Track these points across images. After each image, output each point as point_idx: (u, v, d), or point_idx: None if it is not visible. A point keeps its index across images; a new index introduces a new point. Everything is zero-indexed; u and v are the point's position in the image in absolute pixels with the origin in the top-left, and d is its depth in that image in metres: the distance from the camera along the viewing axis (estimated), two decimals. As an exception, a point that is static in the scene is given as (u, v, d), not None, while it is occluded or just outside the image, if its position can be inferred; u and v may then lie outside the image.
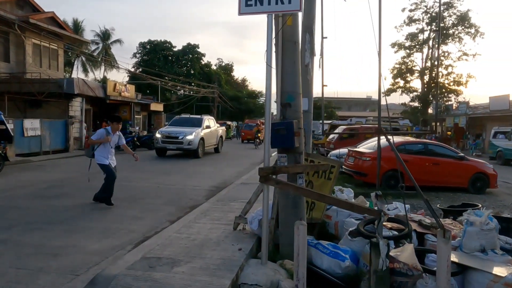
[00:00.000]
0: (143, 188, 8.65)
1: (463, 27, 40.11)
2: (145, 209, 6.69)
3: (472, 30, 39.80)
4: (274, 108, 4.93)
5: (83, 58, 45.04)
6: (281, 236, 4.29)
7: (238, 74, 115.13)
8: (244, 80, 76.85)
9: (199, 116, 19.22)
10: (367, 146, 11.68)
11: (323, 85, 20.47)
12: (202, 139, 16.90)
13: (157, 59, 53.04)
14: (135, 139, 19.14)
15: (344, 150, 13.84)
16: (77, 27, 43.75)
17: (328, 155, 13.97)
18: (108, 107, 22.40)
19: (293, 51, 4.28)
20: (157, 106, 29.18)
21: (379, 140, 4.79)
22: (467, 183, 10.84)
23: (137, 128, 24.74)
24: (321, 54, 18.76)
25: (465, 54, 40.44)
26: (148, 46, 54.51)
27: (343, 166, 12.01)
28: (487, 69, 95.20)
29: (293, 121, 4.13)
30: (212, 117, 20.76)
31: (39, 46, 20.59)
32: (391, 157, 10.69)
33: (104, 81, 31.71)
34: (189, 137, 16.12)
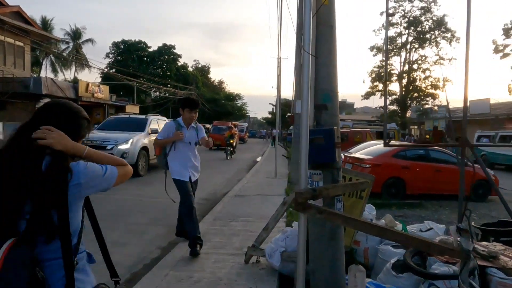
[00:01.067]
0: (122, 202, 7.57)
1: (439, 32, 40.65)
2: (128, 230, 5.64)
3: (449, 35, 40.42)
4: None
5: (52, 58, 42.83)
6: (314, 274, 3.38)
7: (214, 76, 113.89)
8: (221, 82, 75.89)
9: (142, 116, 14.32)
10: (365, 152, 10.96)
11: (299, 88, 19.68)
12: (145, 148, 11.83)
13: (132, 59, 51.27)
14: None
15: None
16: (45, 25, 41.50)
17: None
18: (79, 109, 20.86)
19: (329, 37, 3.39)
20: (132, 109, 27.75)
21: (463, 154, 3.87)
22: (469, 190, 10.27)
23: (112, 131, 23.28)
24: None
25: (441, 58, 41.01)
26: (122, 46, 52.65)
27: (339, 173, 11.27)
28: (463, 73, 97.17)
29: (333, 128, 3.23)
30: (164, 118, 14.74)
31: (3, 43, 18.93)
32: (392, 163, 10.04)
33: (75, 81, 29.99)
34: (123, 147, 11.15)
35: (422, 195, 10.07)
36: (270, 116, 62.42)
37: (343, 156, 11.39)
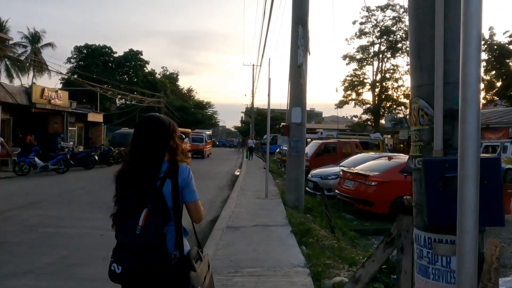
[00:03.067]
0: (79, 239, 5.79)
1: (411, 42, 40.89)
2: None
3: (420, 45, 40.69)
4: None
5: (7, 62, 39.47)
6: None
7: (183, 84, 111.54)
8: (190, 90, 73.78)
9: None
10: (367, 167, 9.66)
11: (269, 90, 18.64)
12: None
13: (96, 65, 48.42)
14: (68, 156, 15.52)
15: (330, 170, 11.80)
16: (0, 26, 38.24)
17: (309, 174, 11.83)
18: (33, 117, 18.57)
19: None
20: (95, 117, 25.41)
21: None
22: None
23: (71, 142, 20.96)
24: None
25: (413, 68, 41.21)
26: (85, 51, 49.70)
27: (336, 191, 9.91)
28: None
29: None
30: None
31: None
32: (400, 180, 8.74)
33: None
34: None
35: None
36: (241, 125, 60.97)
37: (341, 172, 10.08)
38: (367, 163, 10.11)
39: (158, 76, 58.48)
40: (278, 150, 19.70)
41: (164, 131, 2.04)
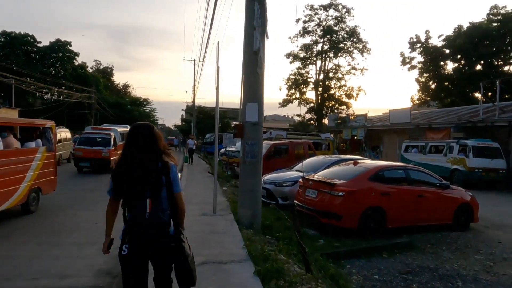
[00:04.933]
0: None
1: (352, 42, 41.40)
2: None
3: (360, 46, 41.34)
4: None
5: None
6: None
7: (119, 79, 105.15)
8: (126, 86, 69.40)
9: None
10: (332, 173, 8.40)
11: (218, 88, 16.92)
12: None
13: (15, 54, 43.06)
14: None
15: (285, 175, 10.45)
16: None
17: (262, 180, 10.36)
18: None
19: None
20: (9, 112, 21.84)
21: None
22: (452, 218, 8.40)
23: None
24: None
25: (353, 68, 41.83)
26: (3, 39, 44.02)
27: (296, 201, 8.55)
28: (372, 83, 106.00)
29: None
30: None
31: None
32: (370, 189, 7.61)
33: None
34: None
35: (404, 229, 7.87)
36: (182, 123, 58.28)
37: (300, 179, 8.73)
38: (330, 169, 8.87)
39: (90, 70, 53.88)
40: (223, 150, 18.03)
41: (157, 138, 2.69)
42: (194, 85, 39.45)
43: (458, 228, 8.38)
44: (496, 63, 34.99)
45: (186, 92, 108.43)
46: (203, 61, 39.10)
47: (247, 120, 6.84)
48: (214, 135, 7.97)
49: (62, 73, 46.58)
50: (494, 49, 33.71)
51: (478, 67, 35.11)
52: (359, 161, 9.00)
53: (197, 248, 4.90)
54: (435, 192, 8.27)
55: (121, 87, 67.40)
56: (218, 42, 7.07)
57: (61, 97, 39.82)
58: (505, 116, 18.22)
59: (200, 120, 41.35)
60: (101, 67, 61.83)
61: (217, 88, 7.31)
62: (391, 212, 7.54)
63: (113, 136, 17.01)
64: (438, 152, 18.78)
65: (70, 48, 48.00)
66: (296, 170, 10.95)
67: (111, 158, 16.24)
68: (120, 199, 2.64)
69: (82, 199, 10.22)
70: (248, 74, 6.88)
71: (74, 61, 48.95)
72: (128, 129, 20.58)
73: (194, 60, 38.64)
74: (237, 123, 7.10)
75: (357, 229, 7.31)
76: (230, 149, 16.35)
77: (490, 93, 33.41)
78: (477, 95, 36.43)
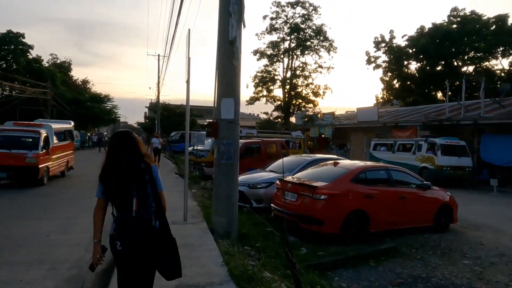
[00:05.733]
0: None
1: (319, 40, 41.48)
2: None
3: (327, 44, 41.52)
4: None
5: None
6: None
7: (78, 75, 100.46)
8: (85, 82, 66.09)
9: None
10: (311, 175, 7.87)
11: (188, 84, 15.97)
12: None
13: (-41, 46, 39.69)
14: None
15: (259, 176, 9.84)
16: None
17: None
18: None
19: None
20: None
21: None
22: (432, 220, 8.14)
23: None
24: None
25: (320, 66, 41.98)
26: None
27: (273, 205, 7.97)
28: (339, 81, 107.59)
29: None
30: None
31: None
32: (352, 191, 7.16)
33: None
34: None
35: (386, 232, 7.49)
36: (145, 121, 56.31)
37: (278, 181, 8.15)
38: (309, 170, 8.35)
39: (46, 64, 50.71)
40: (190, 149, 17.15)
41: (139, 142, 2.95)
42: (159, 81, 38.00)
43: (439, 229, 8.13)
44: (456, 63, 36.20)
45: (149, 88, 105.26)
46: (168, 57, 37.77)
47: (222, 117, 6.15)
48: (180, 134, 7.17)
49: (14, 67, 43.49)
50: (453, 49, 34.82)
51: (440, 67, 36.16)
52: (339, 161, 8.54)
53: (168, 267, 4.18)
54: (417, 194, 7.97)
55: (80, 83, 64.13)
56: (189, 29, 6.33)
57: (13, 92, 37.06)
58: (470, 115, 18.59)
59: (165, 117, 39.92)
60: (58, 61, 58.41)
61: (188, 81, 6.56)
62: (374, 216, 7.12)
63: (43, 135, 12.41)
64: (407, 150, 18.90)
65: (23, 40, 44.91)
66: (270, 171, 10.38)
67: (40, 166, 11.85)
68: (108, 200, 2.82)
69: (34, 205, 9.13)
70: (223, 67, 6.18)
71: (28, 54, 45.87)
72: (71, 125, 17.31)
73: (159, 55, 37.20)
74: (210, 120, 6.39)
75: (339, 234, 6.83)
76: (198, 148, 15.55)
77: (450, 93, 34.55)
78: (439, 94, 37.63)
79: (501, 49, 33.88)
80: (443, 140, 17.02)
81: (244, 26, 6.19)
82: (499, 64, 35.86)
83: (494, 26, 33.81)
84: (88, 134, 45.62)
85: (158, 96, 38.44)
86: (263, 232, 6.82)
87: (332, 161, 8.39)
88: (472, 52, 35.14)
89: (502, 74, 34.27)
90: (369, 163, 8.46)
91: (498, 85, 28.16)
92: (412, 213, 7.78)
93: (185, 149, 7.33)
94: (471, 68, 35.85)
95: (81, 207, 8.62)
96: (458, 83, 24.00)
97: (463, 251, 6.97)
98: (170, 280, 2.86)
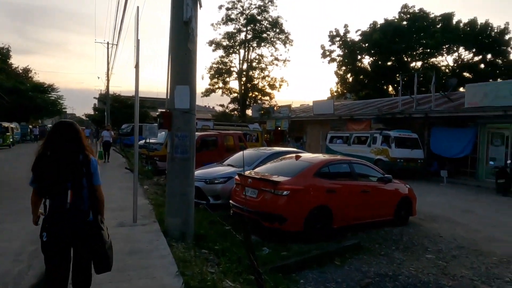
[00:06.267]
0: None
1: (275, 33, 41.27)
2: None
3: (283, 37, 41.41)
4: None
5: None
6: None
7: (18, 63, 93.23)
8: (27, 70, 61.39)
9: None
10: (272, 169, 7.45)
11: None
12: None
13: None
14: None
15: (216, 170, 9.31)
16: None
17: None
18: None
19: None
20: None
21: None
22: (393, 213, 8.05)
23: None
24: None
25: (276, 59, 41.84)
26: None
27: (232, 202, 7.49)
28: (296, 74, 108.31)
29: None
30: None
31: None
32: (315, 186, 6.84)
33: None
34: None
35: (349, 227, 7.28)
36: (94, 112, 53.43)
37: (237, 176, 7.66)
38: (270, 164, 7.93)
39: (-22, 49, 46.36)
40: (142, 142, 16.22)
41: (80, 132, 2.89)
42: (108, 70, 35.92)
43: (399, 223, 8.06)
44: (405, 59, 37.52)
45: (98, 78, 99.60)
46: (117, 44, 35.81)
47: (177, 107, 5.53)
48: (131, 126, 6.44)
49: None
50: (403, 45, 36.02)
51: (391, 62, 37.30)
52: (300, 154, 8.20)
53: (112, 279, 3.56)
54: (378, 187, 7.82)
55: (20, 72, 59.46)
56: (138, 7, 5.60)
57: None
58: (421, 108, 19.14)
59: (115, 109, 37.95)
60: (-6, 47, 53.63)
61: (137, 66, 5.85)
62: (337, 211, 6.86)
63: None
64: (362, 143, 19.14)
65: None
66: (228, 165, 9.86)
67: None
68: (42, 189, 2.76)
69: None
70: (177, 50, 5.55)
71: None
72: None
73: (108, 43, 35.12)
74: (163, 110, 5.74)
75: (303, 231, 6.49)
76: (151, 141, 14.68)
77: (399, 87, 35.79)
78: (390, 88, 38.89)
79: (446, 46, 35.56)
80: (397, 133, 17.37)
81: (201, 6, 5.59)
82: (445, 60, 37.70)
83: (440, 24, 35.37)
84: (30, 126, 42.34)
85: (107, 86, 36.44)
86: (221, 231, 6.32)
87: (294, 155, 8.02)
88: (421, 48, 36.57)
89: (447, 71, 36.02)
90: (331, 156, 8.19)
91: (444, 80, 29.57)
92: (374, 207, 7.62)
93: (134, 142, 6.61)
94: (419, 64, 37.33)
95: (7, 211, 7.41)
96: (406, 78, 24.68)
97: (425, 244, 6.90)
98: (98, 274, 2.86)
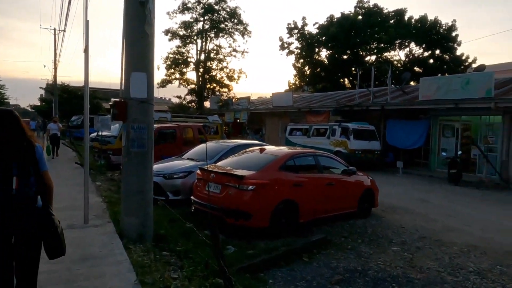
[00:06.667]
0: None
1: (233, 23, 40.69)
2: None
3: (241, 27, 40.93)
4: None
5: None
6: None
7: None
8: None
9: None
10: (235, 163, 7.12)
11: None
12: None
13: None
14: None
15: (176, 164, 8.85)
16: None
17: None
18: None
19: None
20: None
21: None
22: (357, 205, 8.03)
23: None
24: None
25: (234, 50, 41.34)
26: None
27: (193, 198, 7.10)
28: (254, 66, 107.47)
29: None
30: None
31: None
32: (282, 179, 6.62)
33: None
34: None
35: (315, 221, 7.14)
36: (41, 103, 50.10)
37: (198, 171, 7.26)
38: (234, 158, 7.58)
39: None
40: (94, 135, 15.29)
41: (20, 119, 2.87)
42: (55, 57, 33.66)
43: (362, 215, 8.06)
44: (361, 53, 38.42)
45: (45, 66, 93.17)
46: (64, 31, 33.62)
47: (132, 96, 5.03)
48: (82, 118, 5.83)
49: None
50: (359, 40, 36.84)
51: (347, 55, 38.04)
52: (264, 147, 7.92)
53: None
54: (343, 180, 7.74)
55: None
56: (87, -16, 5.00)
57: None
58: (378, 101, 19.58)
59: (64, 100, 35.71)
60: None
61: (86, 50, 5.25)
62: (303, 205, 6.68)
63: None
64: (321, 135, 19.29)
65: None
66: (188, 158, 9.41)
67: None
68: None
69: None
70: (132, 33, 5.03)
71: None
72: None
73: (54, 29, 32.86)
74: (117, 99, 5.21)
75: (269, 227, 6.24)
76: (104, 133, 13.80)
77: (355, 81, 36.64)
78: (346, 81, 39.72)
79: (399, 41, 36.80)
80: (355, 125, 17.64)
81: (158, -15, 5.08)
82: (397, 55, 39.04)
83: (393, 20, 36.50)
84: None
85: (55, 75, 34.16)
86: (183, 230, 5.92)
87: (258, 148, 7.73)
88: (375, 43, 37.58)
89: (399, 65, 37.34)
90: (297, 149, 7.99)
91: (397, 73, 30.60)
92: (339, 199, 7.54)
93: (84, 135, 6.01)
94: (373, 58, 38.39)
95: None
96: (361, 72, 25.18)
97: (389, 236, 6.91)
98: (52, 259, 2.87)
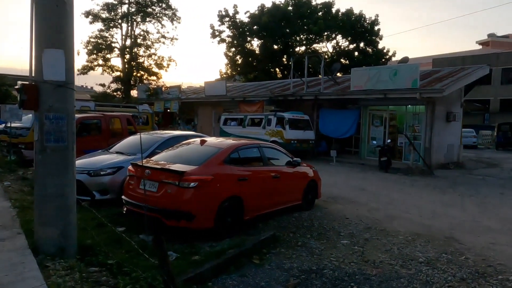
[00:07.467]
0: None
1: (161, 8, 38.63)
2: None
3: (170, 13, 39.03)
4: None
5: None
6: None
7: None
8: None
9: None
10: (173, 157, 6.36)
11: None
12: None
13: None
14: None
15: (102, 159, 7.84)
16: None
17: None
18: None
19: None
20: None
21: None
22: (302, 197, 7.78)
23: None
24: None
25: (163, 36, 39.37)
26: None
27: (125, 198, 6.25)
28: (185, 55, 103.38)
29: None
30: None
31: None
32: (227, 174, 6.06)
33: None
34: None
35: (260, 217, 6.71)
36: None
37: (130, 167, 6.39)
38: (171, 151, 6.81)
39: None
40: (2, 127, 13.37)
41: None
42: None
43: (306, 207, 7.83)
44: (290, 43, 38.89)
45: None
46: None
47: (46, 78, 4.07)
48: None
49: None
50: (289, 30, 37.22)
51: (278, 45, 38.27)
52: (205, 138, 7.25)
53: None
54: (288, 172, 7.40)
55: None
56: None
57: None
58: (311, 91, 19.76)
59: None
60: None
61: None
62: (248, 201, 6.20)
63: None
64: (257, 124, 19.00)
65: None
66: (117, 152, 8.41)
67: None
68: None
69: None
70: (44, 1, 4.05)
71: None
72: None
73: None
74: (26, 82, 4.21)
75: (213, 228, 5.66)
76: (13, 125, 12.02)
77: (285, 71, 37.07)
78: (278, 71, 40.01)
79: (327, 33, 37.87)
80: (291, 115, 17.60)
81: None
82: (325, 47, 40.24)
83: (321, 12, 37.41)
84: None
85: None
86: (113, 237, 5.10)
87: (197, 139, 7.05)
88: (305, 34, 38.27)
89: (326, 56, 38.53)
90: (241, 140, 7.43)
91: (326, 64, 31.41)
92: (285, 192, 7.20)
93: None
94: (303, 49, 39.10)
95: None
96: (291, 63, 25.30)
97: (336, 228, 6.72)
98: None
